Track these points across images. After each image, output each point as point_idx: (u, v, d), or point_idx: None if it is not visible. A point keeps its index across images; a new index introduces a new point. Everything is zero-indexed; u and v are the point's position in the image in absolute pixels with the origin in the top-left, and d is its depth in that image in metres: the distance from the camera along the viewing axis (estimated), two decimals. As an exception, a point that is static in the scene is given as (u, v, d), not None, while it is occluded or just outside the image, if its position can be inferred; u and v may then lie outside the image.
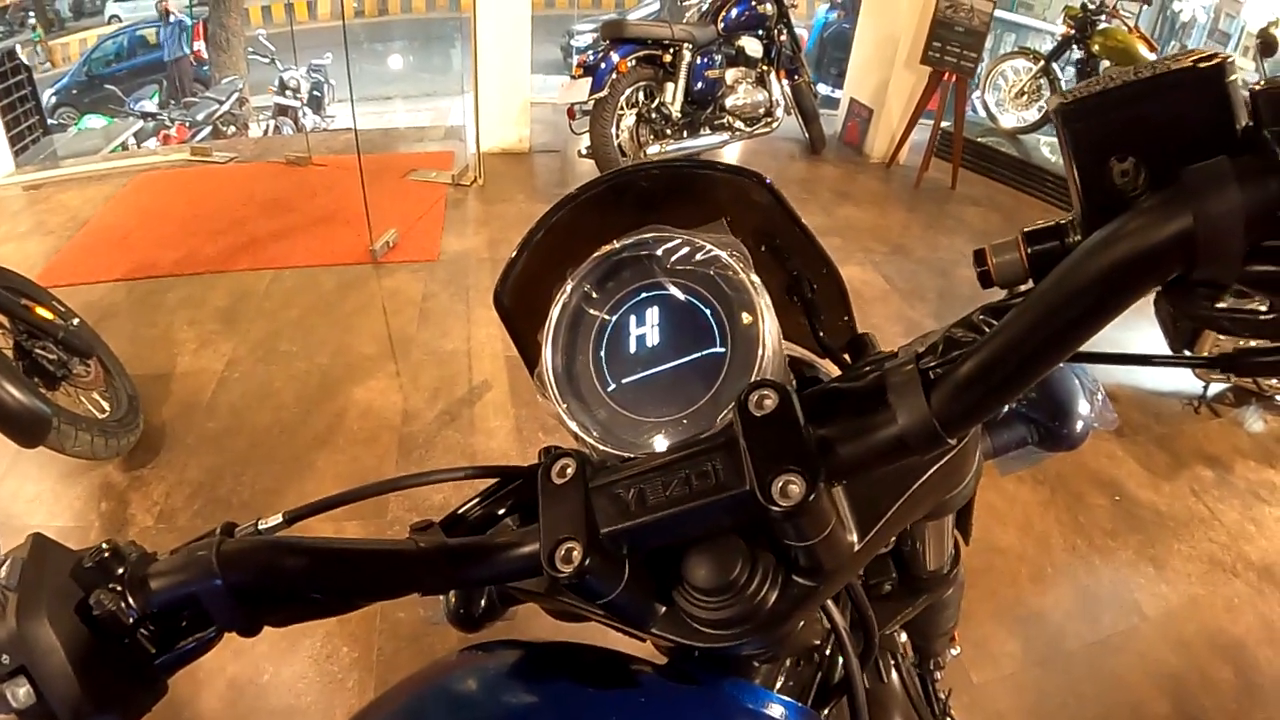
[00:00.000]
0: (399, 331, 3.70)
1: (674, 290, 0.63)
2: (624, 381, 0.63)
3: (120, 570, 0.54)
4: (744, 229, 0.71)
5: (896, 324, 4.10)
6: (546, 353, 0.65)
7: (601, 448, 0.60)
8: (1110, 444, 3.35)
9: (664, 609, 0.58)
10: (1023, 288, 0.54)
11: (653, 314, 0.64)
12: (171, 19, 11.40)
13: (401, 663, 2.22)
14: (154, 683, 0.55)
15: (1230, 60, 0.42)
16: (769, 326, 0.58)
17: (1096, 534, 2.90)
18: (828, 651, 0.77)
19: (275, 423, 3.09)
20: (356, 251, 4.29)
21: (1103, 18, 5.85)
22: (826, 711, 0.78)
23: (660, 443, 0.58)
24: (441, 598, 0.79)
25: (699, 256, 0.63)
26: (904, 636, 1.09)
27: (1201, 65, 0.42)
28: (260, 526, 0.66)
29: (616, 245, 0.66)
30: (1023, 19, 10.04)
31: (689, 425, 0.58)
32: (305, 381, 3.33)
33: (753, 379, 0.56)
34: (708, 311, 0.61)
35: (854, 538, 0.55)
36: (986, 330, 0.51)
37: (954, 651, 1.22)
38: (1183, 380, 3.76)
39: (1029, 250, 0.53)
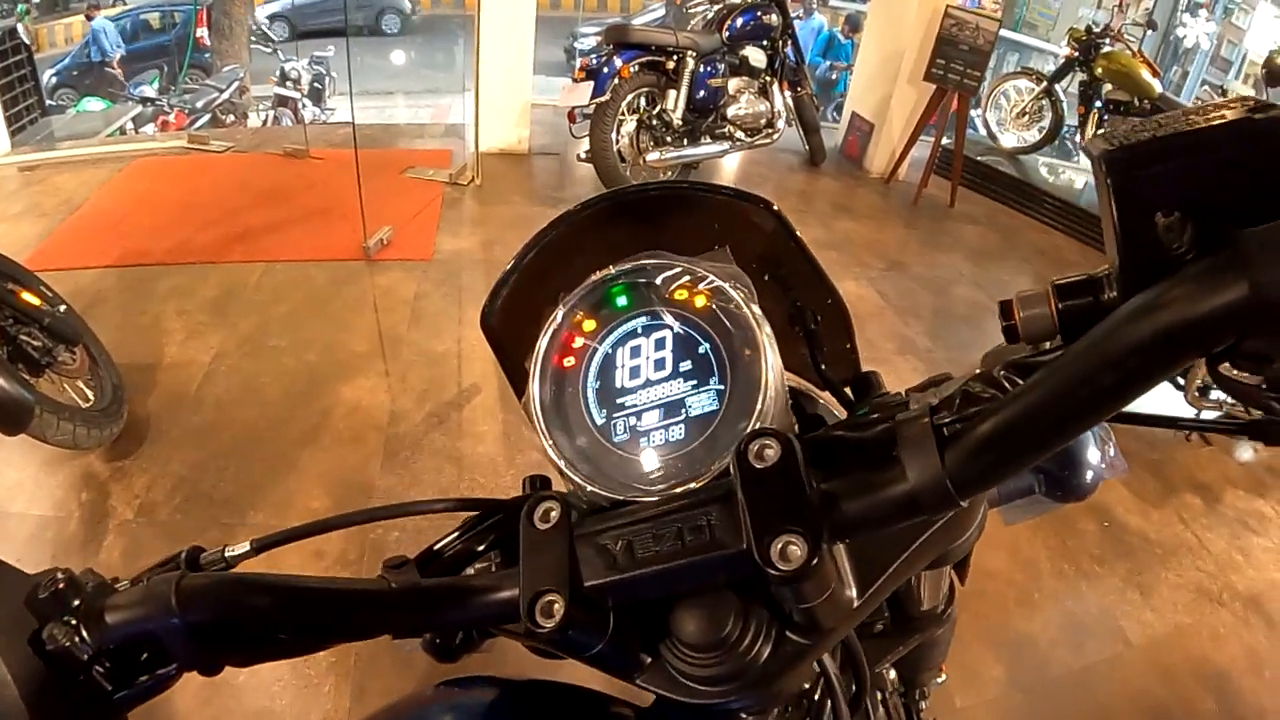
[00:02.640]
0: (390, 330, 3.68)
1: (672, 321, 0.61)
2: (614, 416, 0.60)
3: (76, 602, 0.51)
4: (747, 255, 0.68)
5: (890, 340, 4.09)
6: (534, 381, 0.62)
7: (589, 488, 0.57)
8: (1101, 470, 3.33)
9: (650, 659, 0.55)
10: (1048, 345, 0.52)
11: (648, 345, 0.61)
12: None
13: (380, 669, 2.19)
14: (111, 718, 0.52)
15: None
16: (771, 365, 0.56)
17: (1084, 559, 2.89)
18: (817, 696, 0.74)
19: (261, 418, 3.06)
20: (350, 247, 4.26)
21: (1107, 41, 5.86)
22: None
23: (651, 482, 0.55)
24: None
25: (700, 287, 0.60)
26: (893, 673, 1.07)
27: (1258, 117, 0.39)
28: (227, 554, 0.63)
29: (613, 271, 0.63)
30: (1026, 39, 10.06)
31: (683, 467, 0.55)
32: (293, 377, 3.30)
33: (752, 422, 0.54)
34: (707, 346, 0.59)
35: (853, 593, 0.53)
36: (1008, 387, 0.49)
37: (940, 680, 1.20)
38: (1174, 408, 3.75)
39: (1059, 305, 0.50)
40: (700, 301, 0.60)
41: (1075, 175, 7.12)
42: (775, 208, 0.72)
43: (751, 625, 0.52)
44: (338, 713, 2.10)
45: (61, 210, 4.47)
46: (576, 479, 0.57)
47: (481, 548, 0.70)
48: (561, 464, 0.58)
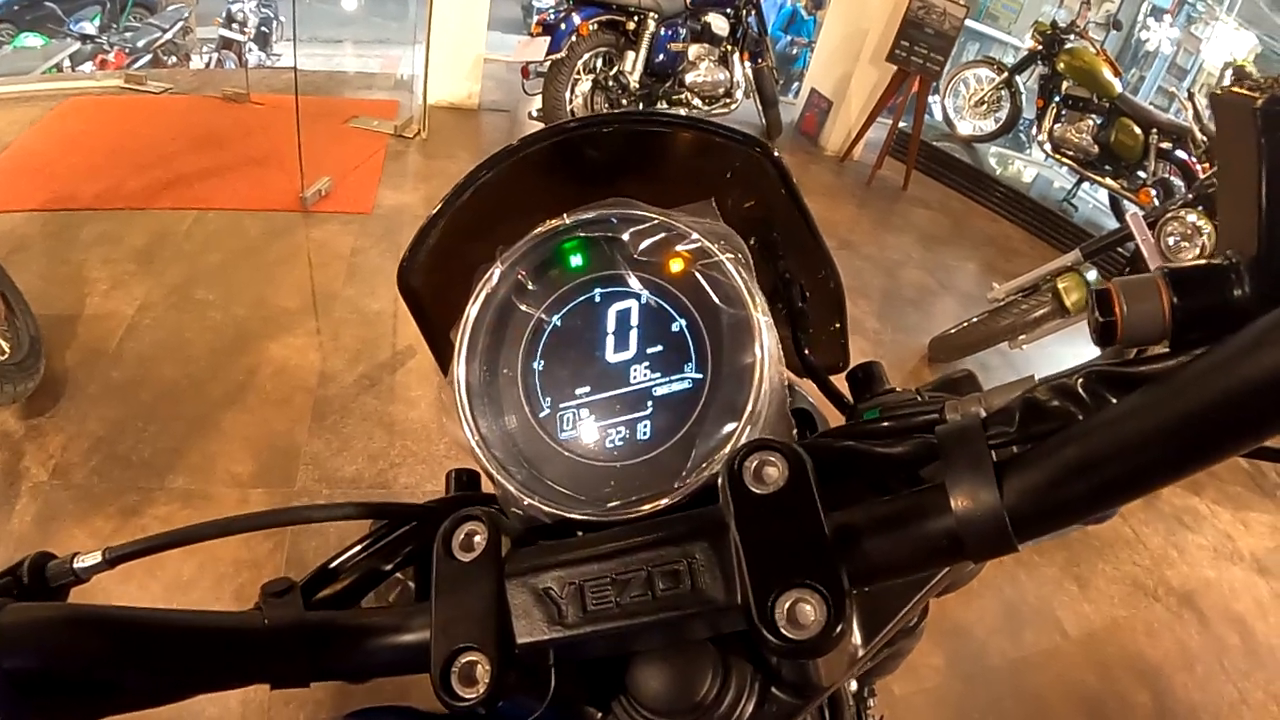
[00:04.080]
0: (323, 286, 3.53)
1: (640, 289, 0.49)
2: (563, 407, 0.49)
3: None
4: (732, 215, 0.55)
5: (837, 321, 4.04)
6: (459, 359, 0.50)
7: (525, 499, 0.46)
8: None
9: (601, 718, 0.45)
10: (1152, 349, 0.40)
11: (608, 318, 0.49)
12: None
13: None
14: None
15: None
16: (768, 354, 0.45)
17: (1023, 549, 2.89)
18: None
19: (184, 376, 2.91)
20: (286, 198, 4.07)
21: (1071, 37, 5.84)
22: None
23: (605, 496, 0.45)
24: None
25: (679, 248, 0.48)
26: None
27: None
28: (76, 565, 0.49)
29: (567, 220, 0.51)
30: (987, 29, 10.04)
31: (647, 477, 0.45)
32: (219, 333, 3.14)
33: (740, 426, 0.43)
34: (683, 323, 0.48)
35: (857, 642, 0.44)
36: (1088, 400, 0.37)
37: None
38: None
39: (1174, 300, 0.38)
40: (676, 266, 0.49)
41: (1027, 167, 7.16)
42: (775, 154, 0.59)
43: (731, 684, 0.42)
44: None
45: (-12, 148, 4.21)
46: (510, 486, 0.46)
47: (389, 567, 0.55)
48: (490, 466, 0.47)
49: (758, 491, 0.38)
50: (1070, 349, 4.04)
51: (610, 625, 0.39)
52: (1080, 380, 0.38)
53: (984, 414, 0.40)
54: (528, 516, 0.47)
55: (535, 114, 4.83)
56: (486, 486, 0.57)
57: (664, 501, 0.43)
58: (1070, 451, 0.35)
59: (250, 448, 2.64)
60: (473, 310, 0.51)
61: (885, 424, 0.44)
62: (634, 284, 0.49)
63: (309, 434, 2.74)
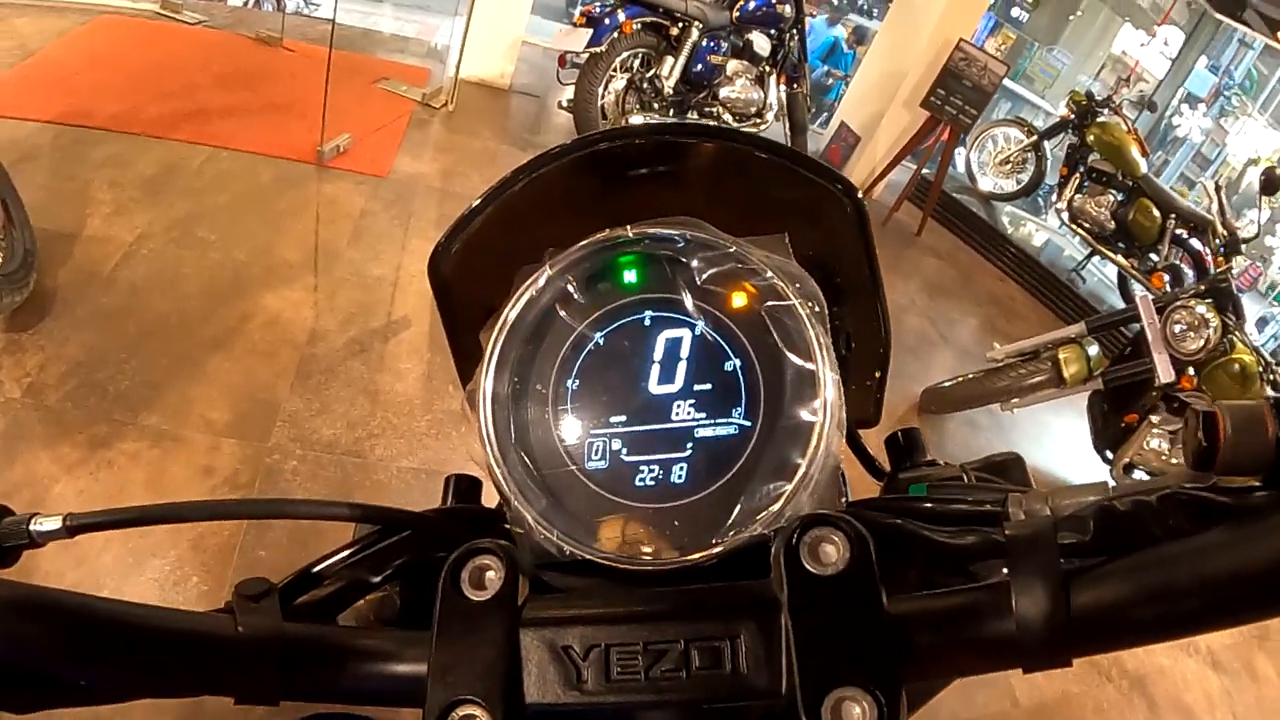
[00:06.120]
0: (327, 244, 3.49)
1: (697, 319, 0.45)
2: (594, 434, 0.44)
3: None
4: (798, 251, 0.51)
5: (834, 359, 4.03)
6: (488, 366, 0.45)
7: (544, 534, 0.42)
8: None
9: None
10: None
11: (657, 345, 0.45)
12: None
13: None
14: None
15: None
16: (830, 413, 0.40)
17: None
18: None
19: (174, 312, 2.86)
20: (303, 149, 4.03)
21: (1105, 111, 5.84)
22: None
23: (632, 541, 0.41)
24: None
25: (748, 282, 0.44)
26: None
27: None
28: (34, 528, 0.43)
29: (630, 232, 0.46)
30: (1021, 90, 10.06)
31: (680, 527, 0.41)
32: (216, 274, 3.10)
33: (793, 489, 0.39)
34: (738, 363, 0.44)
35: None
36: (1169, 522, 0.34)
37: None
38: (1098, 474, 3.78)
39: None
40: (740, 300, 0.45)
41: (1038, 231, 7.16)
42: (858, 194, 0.55)
43: None
44: None
45: (14, 54, 4.14)
46: (530, 517, 0.42)
47: (377, 578, 0.49)
48: (508, 490, 0.43)
49: (816, 572, 0.35)
50: (1059, 419, 4.05)
51: (635, 699, 0.35)
52: (1161, 499, 0.36)
53: (1052, 512, 0.37)
54: (537, 552, 0.43)
55: (565, 104, 4.79)
56: (488, 496, 0.53)
57: (696, 556, 0.40)
58: (1148, 576, 0.32)
59: (230, 396, 2.60)
60: (511, 313, 0.46)
61: (947, 507, 0.41)
62: (691, 312, 0.45)
63: (291, 391, 2.70)
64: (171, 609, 0.41)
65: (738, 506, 0.40)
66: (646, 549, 0.41)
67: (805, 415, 0.41)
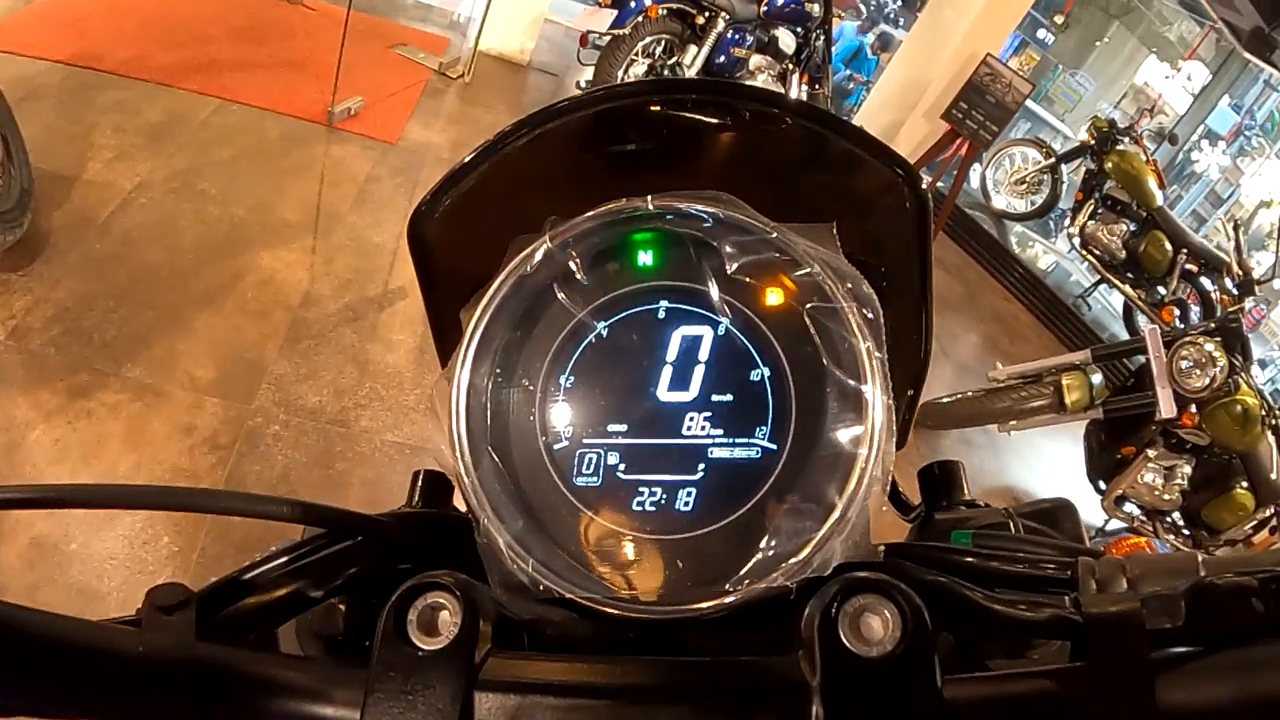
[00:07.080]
0: (330, 206, 3.42)
1: (722, 316, 0.37)
2: (586, 443, 0.37)
3: None
4: (845, 247, 0.42)
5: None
6: (465, 351, 0.38)
7: (517, 562, 0.34)
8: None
9: None
10: None
11: (671, 343, 0.38)
12: None
13: (225, 569, 2.00)
14: None
15: None
16: (877, 447, 0.33)
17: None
18: None
19: (166, 264, 2.80)
20: (314, 108, 3.96)
21: (1126, 140, 5.78)
22: None
23: (624, 582, 0.33)
24: None
25: (788, 276, 0.37)
26: None
27: None
28: None
29: (649, 204, 0.38)
30: (1042, 111, 9.98)
31: (684, 570, 0.34)
32: (213, 229, 3.03)
33: (824, 532, 0.32)
34: (767, 373, 0.36)
35: None
36: (1272, 605, 0.28)
37: None
38: (1088, 512, 3.74)
39: None
40: (776, 298, 0.37)
41: (1046, 253, 7.11)
42: (922, 184, 0.46)
43: None
44: None
45: (29, -11, 4.06)
46: (500, 540, 0.35)
47: (318, 592, 0.41)
48: (478, 506, 0.36)
49: (858, 652, 0.27)
50: (1053, 443, 4.00)
51: None
52: (1264, 581, 0.29)
53: (1126, 584, 0.31)
54: (504, 582, 0.35)
55: (584, 84, 4.73)
56: (461, 500, 0.46)
57: (703, 606, 0.32)
58: (1255, 678, 0.27)
59: (216, 354, 2.54)
60: (499, 290, 0.39)
61: (1003, 568, 0.34)
62: (716, 306, 0.37)
63: (279, 354, 2.64)
64: (74, 618, 0.34)
65: (756, 547, 0.33)
66: (641, 590, 0.34)
67: (846, 444, 0.34)
